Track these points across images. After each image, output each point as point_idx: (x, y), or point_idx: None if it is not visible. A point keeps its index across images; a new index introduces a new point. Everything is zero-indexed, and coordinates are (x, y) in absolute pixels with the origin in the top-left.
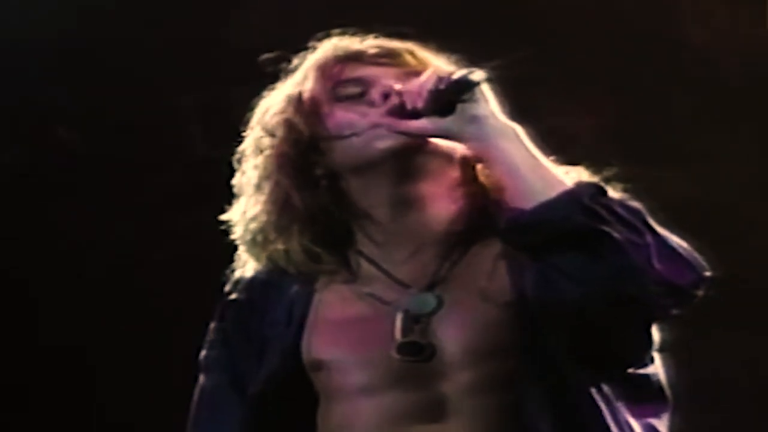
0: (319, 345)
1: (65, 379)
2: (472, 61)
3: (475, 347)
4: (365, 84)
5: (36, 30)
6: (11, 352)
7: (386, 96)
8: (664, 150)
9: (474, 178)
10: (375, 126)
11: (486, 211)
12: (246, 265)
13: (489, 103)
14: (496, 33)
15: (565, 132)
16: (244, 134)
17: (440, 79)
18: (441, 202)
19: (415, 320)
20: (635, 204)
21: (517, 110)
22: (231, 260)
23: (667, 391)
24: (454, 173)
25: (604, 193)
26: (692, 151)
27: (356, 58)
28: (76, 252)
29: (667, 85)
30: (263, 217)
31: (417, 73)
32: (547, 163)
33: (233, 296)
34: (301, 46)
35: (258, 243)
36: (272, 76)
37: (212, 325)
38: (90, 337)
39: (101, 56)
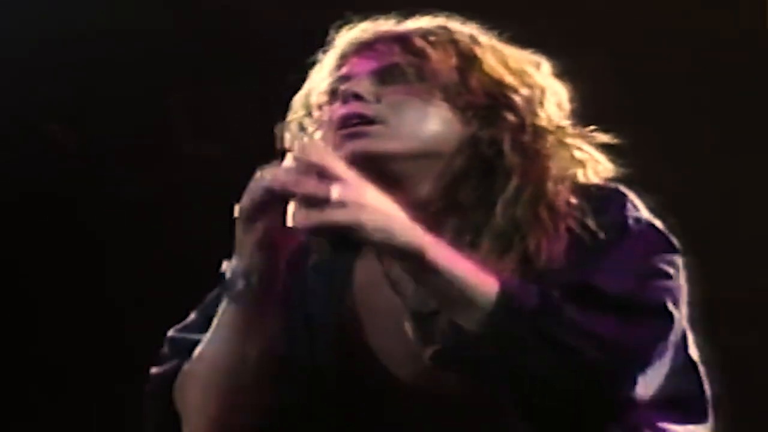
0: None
1: None
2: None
3: None
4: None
5: (23, 27)
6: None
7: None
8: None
9: None
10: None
11: None
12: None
13: None
14: None
15: None
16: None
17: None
18: None
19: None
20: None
21: None
22: (222, 255)
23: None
24: None
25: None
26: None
27: (365, 46)
28: (66, 249)
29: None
30: None
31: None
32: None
33: None
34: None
35: None
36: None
37: None
38: (75, 343)
39: (89, 53)
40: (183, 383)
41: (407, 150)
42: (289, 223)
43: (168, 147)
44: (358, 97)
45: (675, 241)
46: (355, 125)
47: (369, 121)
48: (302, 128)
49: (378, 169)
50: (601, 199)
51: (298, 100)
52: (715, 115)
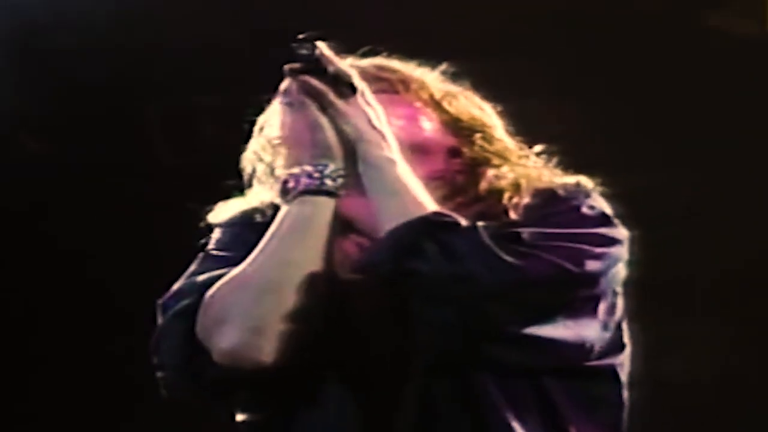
0: None
1: None
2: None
3: None
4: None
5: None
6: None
7: None
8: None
9: None
10: None
11: None
12: None
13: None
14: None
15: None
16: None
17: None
18: None
19: None
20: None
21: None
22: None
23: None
24: None
25: (444, 225)
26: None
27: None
28: (45, 261)
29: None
30: None
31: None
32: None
33: None
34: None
35: None
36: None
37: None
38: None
39: (67, 65)
40: (221, 293)
41: None
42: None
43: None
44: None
45: (620, 229)
46: None
47: None
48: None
49: None
50: (565, 189)
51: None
52: (715, 116)
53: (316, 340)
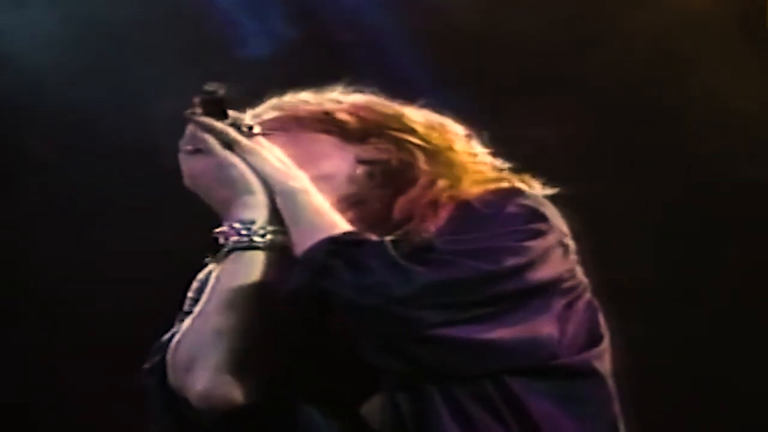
0: None
1: None
2: None
3: None
4: None
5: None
6: None
7: None
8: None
9: None
10: None
11: None
12: None
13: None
14: None
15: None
16: None
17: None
18: None
19: None
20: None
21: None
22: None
23: None
24: None
25: (349, 242)
26: None
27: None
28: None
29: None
30: None
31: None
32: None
33: None
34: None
35: None
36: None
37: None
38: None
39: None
40: (183, 340)
41: None
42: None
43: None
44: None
45: (550, 222)
46: None
47: None
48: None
49: None
50: (492, 194)
51: None
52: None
53: (282, 371)
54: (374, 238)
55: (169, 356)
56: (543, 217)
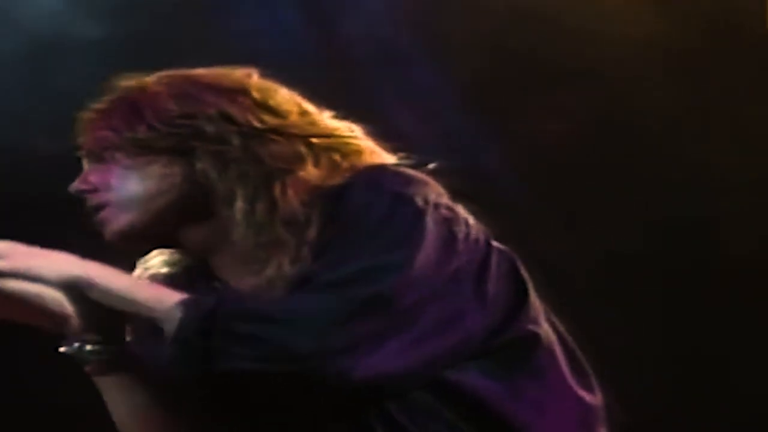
0: None
1: None
2: None
3: None
4: None
5: (10, 38)
6: None
7: None
8: None
9: None
10: None
11: None
12: None
13: None
14: None
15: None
16: None
17: None
18: None
19: None
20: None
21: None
22: None
23: None
24: None
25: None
26: None
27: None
28: None
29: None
30: None
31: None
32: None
33: None
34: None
35: None
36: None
37: None
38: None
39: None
40: None
41: (140, 218)
42: None
43: None
44: (82, 192)
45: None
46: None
47: (99, 208)
48: None
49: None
50: (346, 188)
51: None
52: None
53: None
54: (235, 293)
55: None
56: (411, 197)
